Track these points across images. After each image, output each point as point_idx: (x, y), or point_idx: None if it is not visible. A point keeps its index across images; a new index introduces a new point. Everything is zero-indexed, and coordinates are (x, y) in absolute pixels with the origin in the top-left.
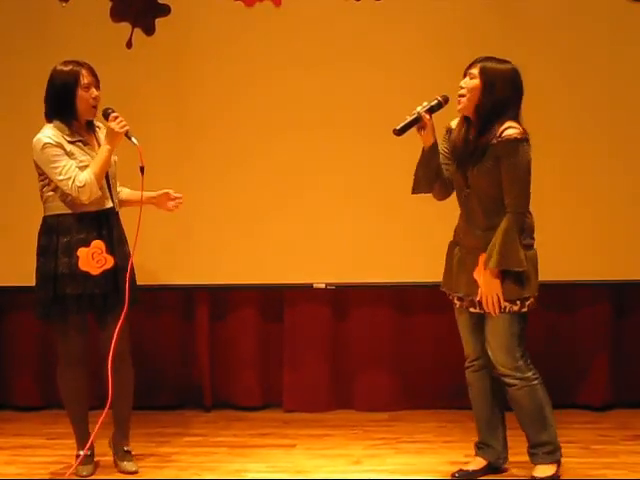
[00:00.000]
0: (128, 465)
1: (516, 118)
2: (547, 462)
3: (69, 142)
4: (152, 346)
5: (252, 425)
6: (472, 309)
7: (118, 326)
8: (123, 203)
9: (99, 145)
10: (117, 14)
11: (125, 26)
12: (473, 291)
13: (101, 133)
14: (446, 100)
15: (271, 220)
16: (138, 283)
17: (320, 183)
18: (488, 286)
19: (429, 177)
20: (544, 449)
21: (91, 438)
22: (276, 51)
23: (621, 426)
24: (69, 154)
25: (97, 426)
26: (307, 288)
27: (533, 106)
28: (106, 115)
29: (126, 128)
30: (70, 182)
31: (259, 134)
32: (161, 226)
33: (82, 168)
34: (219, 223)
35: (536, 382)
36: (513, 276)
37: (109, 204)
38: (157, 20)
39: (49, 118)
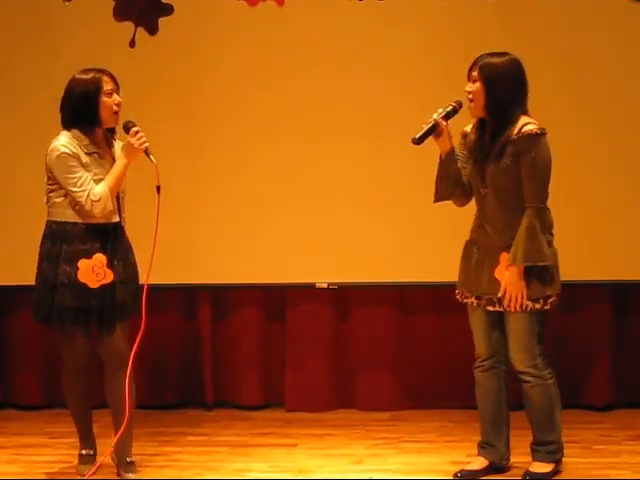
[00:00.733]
0: (132, 476)
1: (526, 112)
2: (546, 460)
3: (86, 153)
4: (154, 345)
5: (254, 424)
6: (490, 307)
7: (138, 337)
8: None
9: (114, 161)
10: (120, 13)
11: (128, 25)
12: (493, 290)
13: (117, 146)
14: (460, 105)
15: (273, 220)
16: (140, 282)
17: (322, 183)
18: (513, 284)
19: (449, 184)
20: (547, 448)
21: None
22: (279, 51)
23: (623, 426)
24: (85, 165)
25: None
26: (309, 288)
27: (533, 106)
28: (127, 128)
29: (146, 145)
30: (85, 195)
31: (261, 134)
32: (163, 225)
33: (96, 181)
34: (221, 223)
35: (551, 382)
36: (537, 274)
37: (116, 219)
38: (160, 20)
39: (67, 126)
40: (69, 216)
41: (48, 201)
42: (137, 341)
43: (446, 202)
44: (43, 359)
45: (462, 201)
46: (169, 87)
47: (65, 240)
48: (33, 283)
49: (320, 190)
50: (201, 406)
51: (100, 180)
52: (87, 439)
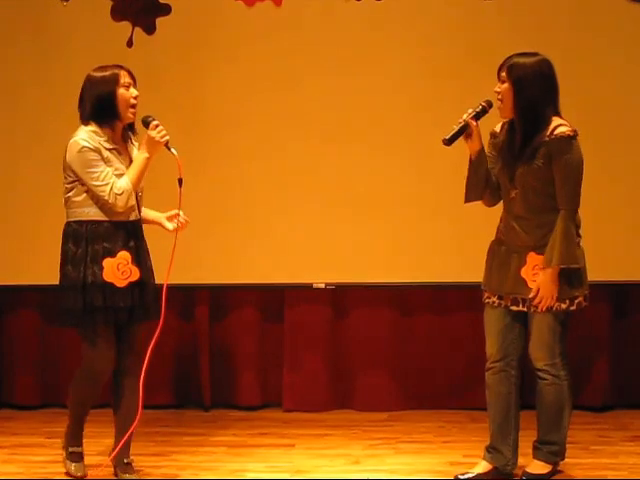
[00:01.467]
0: (131, 477)
1: (558, 113)
2: (546, 460)
3: (106, 149)
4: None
5: (251, 425)
6: (514, 307)
7: (154, 339)
8: None
9: (131, 159)
10: (118, 13)
11: (126, 25)
12: (519, 290)
13: (135, 147)
14: (490, 105)
15: (271, 220)
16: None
17: (320, 183)
18: (547, 286)
19: (479, 184)
20: (550, 448)
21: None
22: (277, 51)
23: (621, 427)
24: (106, 160)
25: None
26: (307, 288)
27: None
28: (146, 123)
29: (166, 138)
30: (108, 188)
31: (259, 134)
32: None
33: (117, 176)
34: (219, 223)
35: (566, 383)
36: (566, 275)
37: (136, 216)
38: (158, 19)
39: (86, 121)
40: (90, 214)
41: (67, 201)
42: (152, 344)
43: (445, 202)
44: (41, 359)
45: (492, 202)
46: (166, 87)
47: (89, 240)
48: (33, 283)
49: (318, 191)
50: (198, 406)
51: (120, 176)
52: (77, 437)
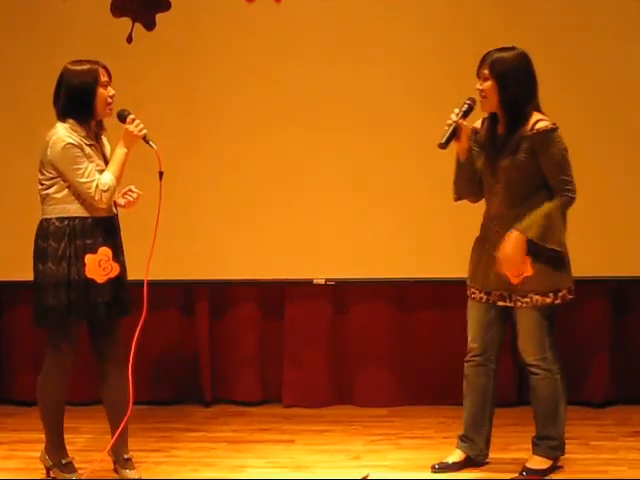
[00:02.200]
0: (130, 473)
1: (538, 107)
2: (546, 456)
3: (87, 144)
4: (152, 341)
5: (252, 420)
6: (501, 303)
7: (137, 333)
8: None
9: (102, 153)
10: (117, 9)
11: (125, 21)
12: (504, 286)
13: (105, 143)
14: (474, 102)
15: (271, 216)
16: (137, 278)
17: (320, 179)
18: (513, 249)
19: (470, 182)
20: (549, 443)
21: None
22: (277, 47)
23: (621, 422)
24: (87, 156)
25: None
26: (307, 284)
27: None
28: (123, 117)
29: (144, 132)
30: (94, 185)
31: (259, 130)
32: (161, 222)
33: (98, 172)
34: (219, 219)
35: (559, 376)
36: (546, 267)
37: (115, 211)
38: (158, 15)
39: (63, 117)
40: (72, 211)
41: (45, 198)
42: (136, 337)
43: (443, 199)
44: (41, 355)
45: (479, 198)
46: (166, 83)
47: (71, 237)
48: (31, 279)
49: (318, 186)
50: (199, 402)
51: (101, 171)
52: (63, 447)
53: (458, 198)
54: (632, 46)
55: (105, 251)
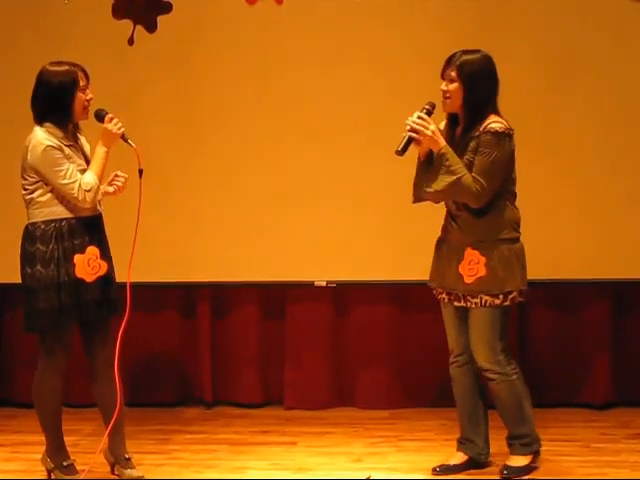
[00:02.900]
0: (133, 472)
1: (496, 110)
2: (523, 453)
3: (66, 145)
4: (153, 343)
5: (253, 422)
6: (457, 303)
7: (120, 332)
8: None
9: (83, 152)
10: (119, 11)
11: (127, 23)
12: (459, 286)
13: (83, 141)
14: (434, 106)
15: (273, 218)
16: (139, 280)
17: (321, 182)
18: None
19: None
20: (521, 441)
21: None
22: (278, 49)
23: (623, 425)
24: (67, 157)
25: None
26: (308, 286)
27: (533, 106)
28: (100, 117)
29: (122, 130)
30: (76, 186)
31: (260, 132)
32: (163, 224)
33: (80, 172)
34: (221, 221)
35: (515, 377)
36: (496, 269)
37: (99, 209)
38: (159, 17)
39: (40, 120)
40: (57, 213)
41: (30, 202)
42: (120, 336)
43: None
44: None
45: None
46: (167, 85)
47: (58, 239)
48: None
49: (319, 189)
50: (200, 404)
51: (82, 171)
52: (63, 449)
53: (417, 200)
54: (630, 47)
55: (93, 250)
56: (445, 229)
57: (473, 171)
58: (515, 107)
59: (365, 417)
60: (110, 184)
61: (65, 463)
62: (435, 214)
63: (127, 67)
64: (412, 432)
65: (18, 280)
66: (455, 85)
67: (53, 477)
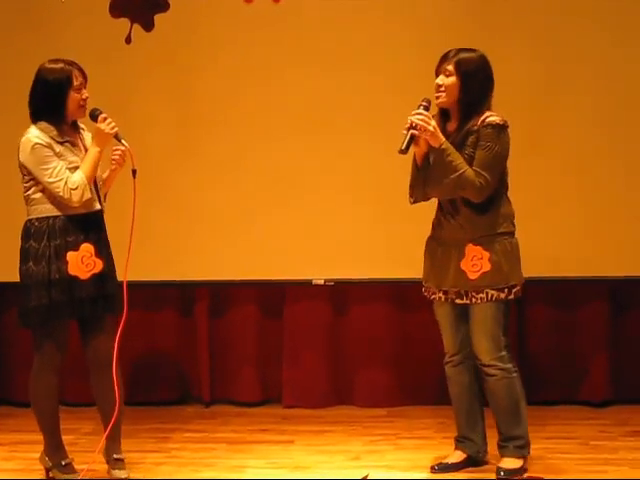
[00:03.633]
0: (120, 473)
1: (490, 108)
2: (515, 456)
3: (58, 143)
4: (151, 341)
5: (251, 421)
6: (459, 300)
7: (118, 332)
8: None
9: (84, 146)
10: (116, 9)
11: (124, 21)
12: (461, 283)
13: (85, 134)
14: (429, 103)
15: (271, 216)
16: (137, 279)
17: (319, 180)
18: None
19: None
20: (515, 443)
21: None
22: (275, 47)
23: (621, 422)
24: (58, 155)
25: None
26: (306, 284)
27: (532, 105)
28: (94, 116)
29: (116, 129)
30: (62, 184)
31: (258, 130)
32: (160, 222)
33: (72, 169)
34: (218, 219)
35: (515, 375)
36: (500, 263)
37: (97, 206)
38: (156, 16)
39: (35, 119)
40: (50, 210)
41: (27, 200)
42: (118, 335)
43: None
44: None
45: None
46: (165, 83)
47: (51, 236)
48: None
49: (317, 187)
50: (198, 402)
51: (76, 168)
52: (62, 447)
53: (415, 201)
54: (630, 48)
55: (87, 247)
56: (438, 226)
57: (474, 165)
58: (514, 105)
59: (363, 415)
60: (111, 161)
61: (63, 462)
62: (433, 212)
63: (124, 65)
64: (410, 430)
65: (15, 279)
66: (452, 79)
67: (51, 476)
